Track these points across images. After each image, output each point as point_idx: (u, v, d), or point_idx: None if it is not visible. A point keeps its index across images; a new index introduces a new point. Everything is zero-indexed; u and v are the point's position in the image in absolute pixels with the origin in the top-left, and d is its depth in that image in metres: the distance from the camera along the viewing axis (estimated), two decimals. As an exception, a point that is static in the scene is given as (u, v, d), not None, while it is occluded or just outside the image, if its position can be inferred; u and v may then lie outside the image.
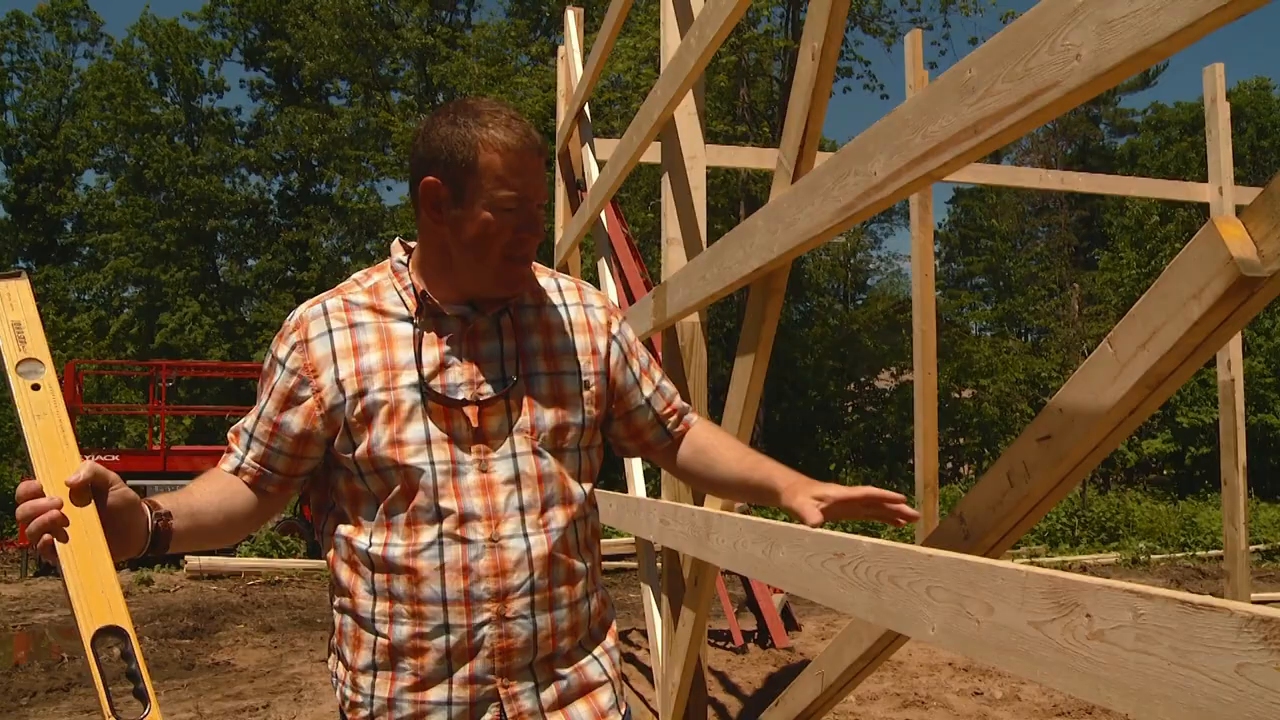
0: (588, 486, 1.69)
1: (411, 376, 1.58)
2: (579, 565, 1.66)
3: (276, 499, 1.68)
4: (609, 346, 1.76)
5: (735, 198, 22.28)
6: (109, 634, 1.30)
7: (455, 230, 1.60)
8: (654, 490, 4.77)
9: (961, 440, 24.59)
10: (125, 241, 28.75)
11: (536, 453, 1.61)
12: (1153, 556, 14.26)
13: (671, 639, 3.76)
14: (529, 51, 25.63)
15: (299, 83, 30.38)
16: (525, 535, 1.58)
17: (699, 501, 3.44)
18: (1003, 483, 1.79)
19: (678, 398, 1.87)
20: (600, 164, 6.20)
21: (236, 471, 1.65)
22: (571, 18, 7.32)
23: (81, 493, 1.37)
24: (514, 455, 1.59)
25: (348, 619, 1.62)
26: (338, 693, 1.66)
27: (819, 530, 2.35)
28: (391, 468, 1.56)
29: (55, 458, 1.40)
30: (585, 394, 1.69)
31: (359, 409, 1.57)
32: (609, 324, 1.78)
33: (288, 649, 7.89)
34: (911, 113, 1.79)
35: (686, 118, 3.90)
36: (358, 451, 1.57)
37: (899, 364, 25.34)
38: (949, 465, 25.00)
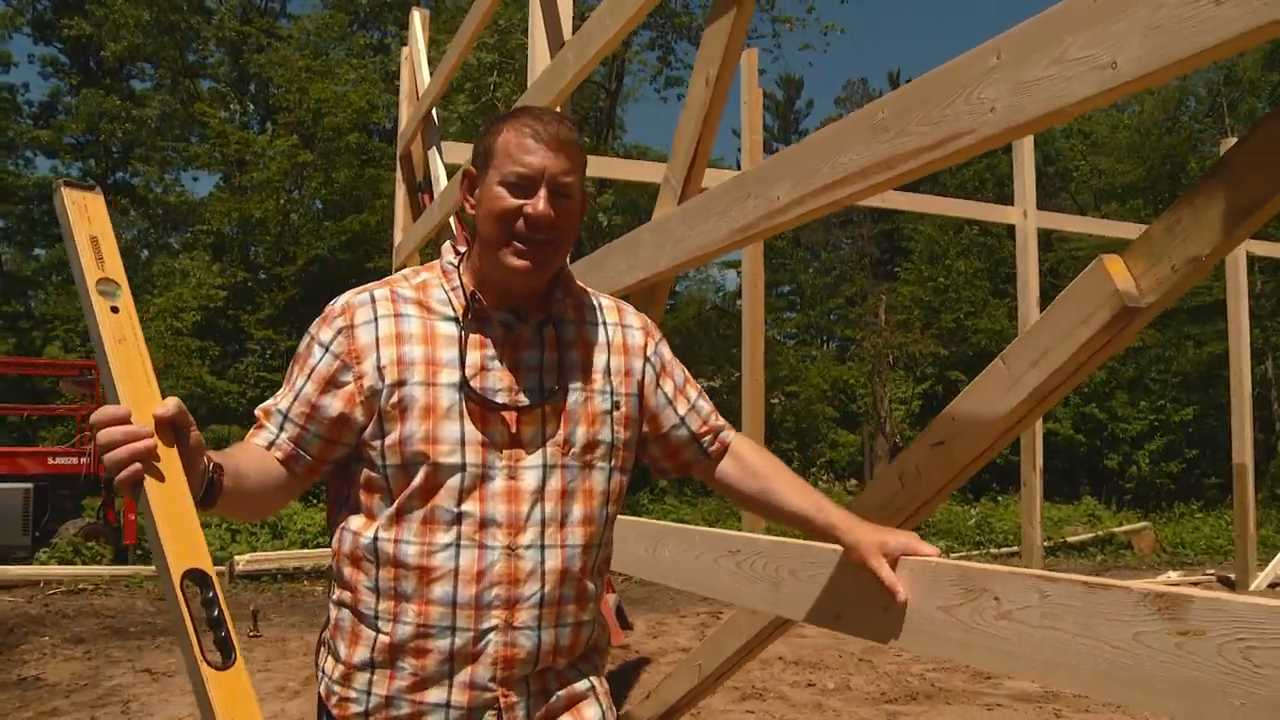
0: (611, 510, 1.71)
1: (453, 375, 1.58)
2: (590, 587, 1.67)
3: (303, 481, 1.64)
4: (643, 369, 1.78)
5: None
6: (194, 577, 1.24)
7: (477, 210, 1.65)
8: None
9: (771, 445, 25.46)
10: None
11: (565, 467, 1.62)
12: (951, 555, 15.15)
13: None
14: (348, 46, 24.97)
15: (98, 63, 28.58)
16: (542, 547, 1.59)
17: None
18: (894, 484, 1.97)
19: (714, 416, 1.87)
20: (451, 169, 6.20)
21: (270, 447, 1.62)
22: (417, 18, 7.26)
23: (167, 428, 1.31)
24: (544, 466, 1.61)
25: (346, 614, 1.62)
26: (322, 687, 1.64)
27: (709, 529, 2.50)
28: (422, 463, 1.55)
29: (137, 388, 1.31)
30: (615, 414, 1.70)
31: (396, 398, 1.57)
32: (645, 345, 1.80)
33: (103, 660, 7.49)
34: (819, 145, 1.96)
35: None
36: (387, 440, 1.56)
37: (710, 369, 25.96)
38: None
